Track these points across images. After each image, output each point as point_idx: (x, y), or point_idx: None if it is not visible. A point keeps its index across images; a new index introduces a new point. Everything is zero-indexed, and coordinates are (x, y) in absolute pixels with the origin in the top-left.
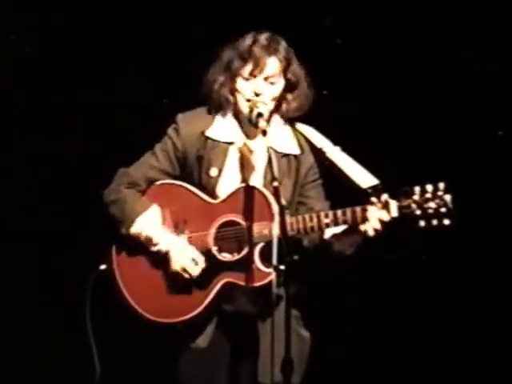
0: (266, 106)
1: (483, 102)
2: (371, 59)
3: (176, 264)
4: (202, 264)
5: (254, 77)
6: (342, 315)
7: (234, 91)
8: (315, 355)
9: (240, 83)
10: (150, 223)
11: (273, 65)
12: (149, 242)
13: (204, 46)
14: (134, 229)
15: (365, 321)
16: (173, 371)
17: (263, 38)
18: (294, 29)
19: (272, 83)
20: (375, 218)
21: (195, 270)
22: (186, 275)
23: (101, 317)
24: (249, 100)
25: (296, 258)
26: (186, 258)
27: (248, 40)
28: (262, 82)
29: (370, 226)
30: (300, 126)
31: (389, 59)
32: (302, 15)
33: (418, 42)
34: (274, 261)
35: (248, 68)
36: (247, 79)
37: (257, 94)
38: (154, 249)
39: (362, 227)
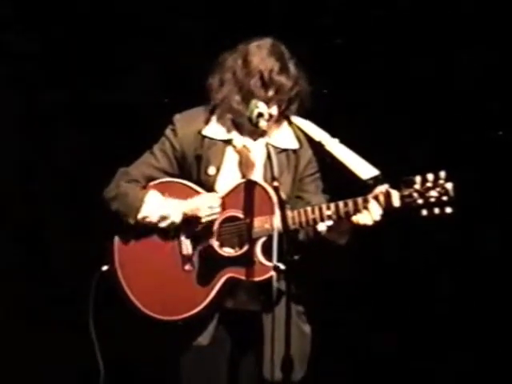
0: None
1: (484, 102)
2: (371, 58)
3: (201, 213)
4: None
5: (270, 100)
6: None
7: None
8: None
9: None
10: (154, 203)
11: (289, 91)
12: (160, 219)
13: (204, 46)
14: (142, 214)
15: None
16: (174, 369)
17: (278, 61)
18: (293, 29)
19: (281, 103)
20: (376, 210)
21: (207, 210)
22: (199, 213)
23: (103, 317)
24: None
25: (296, 257)
26: (201, 202)
27: (266, 64)
28: (275, 105)
29: (371, 218)
30: (296, 120)
31: (389, 58)
32: (302, 15)
33: (419, 40)
34: (274, 259)
35: (268, 94)
36: (264, 101)
37: (270, 116)
38: (167, 223)
39: (363, 218)
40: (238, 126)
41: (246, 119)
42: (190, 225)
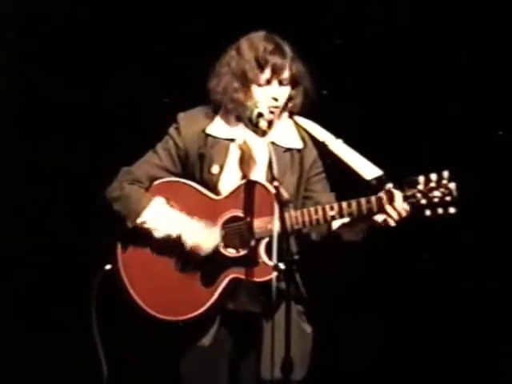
0: (278, 108)
1: (484, 102)
2: (371, 59)
3: (189, 241)
4: (216, 240)
5: (269, 82)
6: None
7: (247, 97)
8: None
9: (256, 90)
10: (156, 213)
11: (286, 68)
12: (157, 229)
13: (204, 46)
14: (141, 219)
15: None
16: (176, 369)
17: (270, 43)
18: (293, 29)
19: (285, 87)
20: (388, 209)
21: (209, 245)
22: (201, 252)
23: (106, 316)
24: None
25: (296, 257)
26: (198, 234)
27: (257, 47)
28: (277, 87)
29: (382, 217)
30: (300, 120)
31: (389, 58)
32: (301, 15)
33: (419, 41)
34: (274, 259)
35: (265, 75)
36: (264, 86)
37: (275, 99)
38: (163, 234)
39: (376, 218)
40: (242, 123)
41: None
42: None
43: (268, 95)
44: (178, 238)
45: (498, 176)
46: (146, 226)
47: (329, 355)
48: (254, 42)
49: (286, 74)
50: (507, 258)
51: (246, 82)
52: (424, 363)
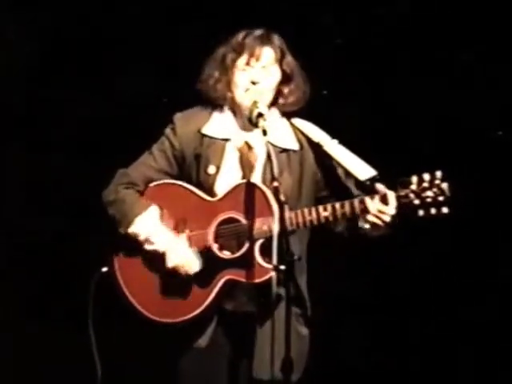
0: (263, 95)
1: (484, 102)
2: (371, 59)
3: (170, 263)
4: (197, 265)
5: (251, 67)
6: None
7: (230, 85)
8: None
9: (237, 75)
10: (148, 223)
11: (268, 54)
12: (146, 242)
13: (204, 45)
14: (132, 229)
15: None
16: (173, 371)
17: (256, 31)
18: (293, 29)
19: (269, 73)
20: (376, 209)
21: (190, 271)
22: (181, 274)
23: (102, 318)
24: (247, 90)
25: (296, 258)
26: (181, 257)
27: (241, 34)
28: (259, 71)
29: (374, 218)
30: (296, 121)
31: (389, 58)
32: (301, 15)
33: (419, 40)
34: (274, 260)
35: (243, 59)
36: (244, 70)
37: (254, 83)
38: (151, 248)
39: (369, 219)
40: (238, 119)
41: (233, 100)
42: None
43: (247, 78)
44: (163, 254)
45: (498, 176)
46: (135, 237)
47: (329, 355)
48: (244, 31)
49: (266, 60)
50: (507, 258)
51: (225, 67)
52: (424, 362)
